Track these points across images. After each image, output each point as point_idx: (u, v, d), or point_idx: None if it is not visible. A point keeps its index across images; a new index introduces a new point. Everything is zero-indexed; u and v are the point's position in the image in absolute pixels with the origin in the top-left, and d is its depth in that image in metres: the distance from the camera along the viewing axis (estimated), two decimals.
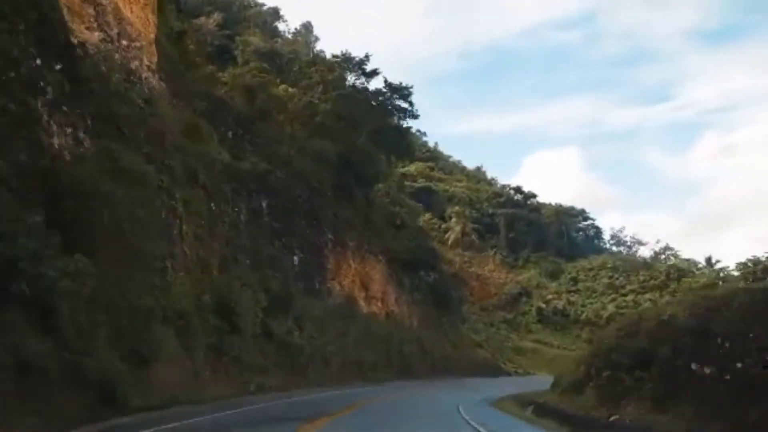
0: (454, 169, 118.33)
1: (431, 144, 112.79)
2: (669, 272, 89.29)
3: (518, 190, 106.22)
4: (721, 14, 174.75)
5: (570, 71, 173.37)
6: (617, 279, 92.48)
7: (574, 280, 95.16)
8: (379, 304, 47.61)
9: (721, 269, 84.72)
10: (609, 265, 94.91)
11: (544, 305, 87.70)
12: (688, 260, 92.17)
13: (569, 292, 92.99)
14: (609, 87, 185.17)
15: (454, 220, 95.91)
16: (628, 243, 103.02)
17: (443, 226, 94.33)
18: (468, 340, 63.26)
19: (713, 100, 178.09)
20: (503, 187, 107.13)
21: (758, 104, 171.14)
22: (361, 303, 44.92)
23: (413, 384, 38.37)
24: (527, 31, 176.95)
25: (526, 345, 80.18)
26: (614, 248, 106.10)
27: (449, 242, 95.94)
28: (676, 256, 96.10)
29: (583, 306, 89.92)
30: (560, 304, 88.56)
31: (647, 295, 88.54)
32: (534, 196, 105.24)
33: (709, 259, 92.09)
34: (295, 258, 38.74)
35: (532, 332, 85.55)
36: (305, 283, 37.47)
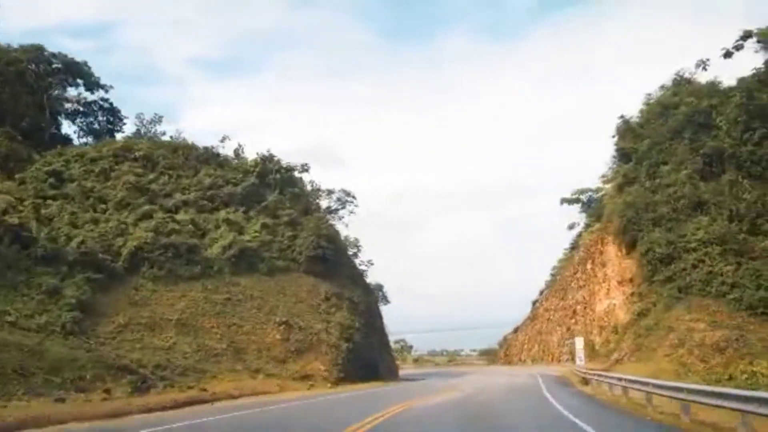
0: None
1: None
2: (263, 168, 47.43)
3: None
4: (225, 46, 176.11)
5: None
6: (153, 179, 45.27)
7: (59, 179, 43.45)
8: None
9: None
10: (138, 152, 46.80)
11: None
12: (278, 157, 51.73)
13: (44, 200, 40.88)
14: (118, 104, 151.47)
15: None
16: (156, 132, 56.32)
17: None
18: None
19: (215, 125, 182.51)
20: None
21: (255, 130, 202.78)
22: None
23: None
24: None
25: None
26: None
27: None
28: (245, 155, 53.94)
29: (76, 228, 39.32)
30: (15, 226, 35.75)
31: (222, 213, 44.44)
32: None
33: (304, 166, 54.93)
34: None
35: None
36: None
